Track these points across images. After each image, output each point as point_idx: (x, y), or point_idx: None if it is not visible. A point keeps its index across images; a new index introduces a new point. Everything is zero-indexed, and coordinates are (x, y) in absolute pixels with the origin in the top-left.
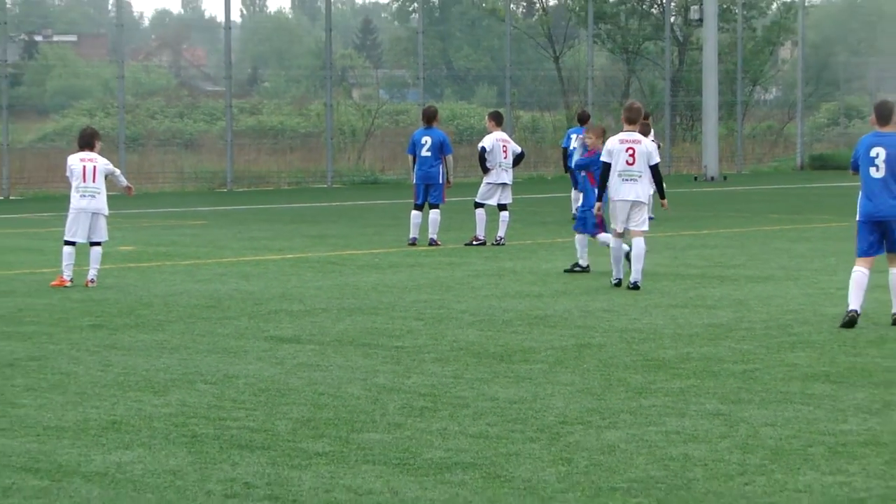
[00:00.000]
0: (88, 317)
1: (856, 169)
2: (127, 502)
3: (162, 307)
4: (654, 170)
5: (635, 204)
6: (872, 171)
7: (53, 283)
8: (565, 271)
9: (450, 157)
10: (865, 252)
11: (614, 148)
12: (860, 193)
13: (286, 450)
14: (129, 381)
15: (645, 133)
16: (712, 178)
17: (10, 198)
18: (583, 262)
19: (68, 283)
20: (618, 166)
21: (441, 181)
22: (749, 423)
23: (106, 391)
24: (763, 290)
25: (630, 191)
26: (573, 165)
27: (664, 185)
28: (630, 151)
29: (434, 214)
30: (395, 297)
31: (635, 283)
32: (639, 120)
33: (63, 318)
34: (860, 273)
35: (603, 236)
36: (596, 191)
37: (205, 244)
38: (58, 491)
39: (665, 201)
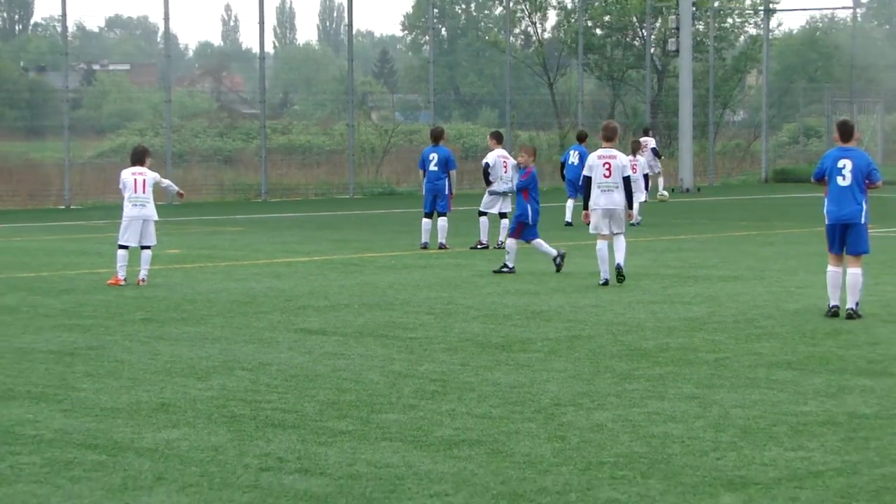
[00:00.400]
0: (140, 311)
1: (818, 178)
2: (174, 474)
3: (204, 303)
4: (626, 182)
5: (613, 211)
6: (839, 179)
7: (109, 281)
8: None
9: (453, 172)
10: (835, 250)
11: (594, 163)
12: (826, 200)
13: (314, 428)
14: (175, 367)
15: (637, 147)
16: (687, 190)
17: (71, 207)
18: (510, 264)
19: (122, 282)
20: (596, 179)
21: (447, 192)
22: (720, 405)
23: (155, 377)
24: (733, 289)
25: (607, 200)
26: (515, 188)
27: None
28: (607, 166)
29: (442, 221)
30: (409, 294)
31: (618, 265)
32: (615, 138)
33: (117, 312)
34: (833, 272)
35: (510, 242)
36: (537, 205)
37: (242, 248)
38: (113, 464)
39: (631, 211)
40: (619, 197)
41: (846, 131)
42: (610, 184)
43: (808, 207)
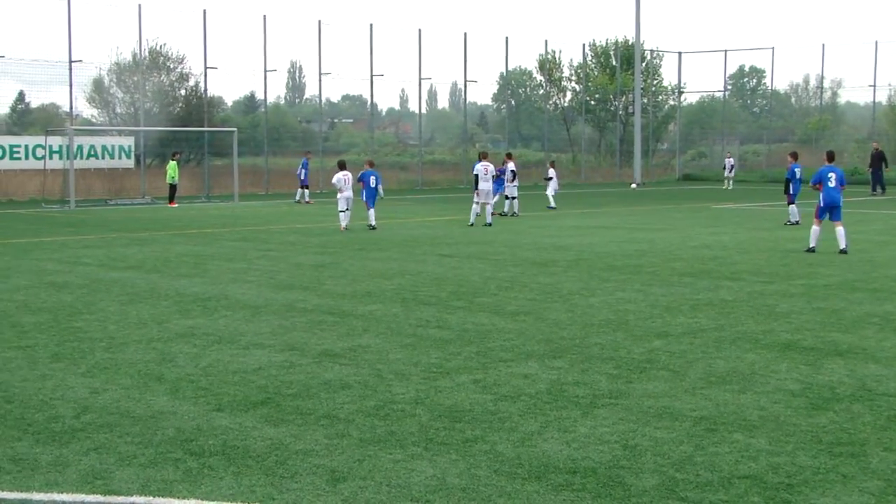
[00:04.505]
0: (356, 244)
1: (815, 183)
2: (373, 327)
3: (388, 240)
4: (496, 177)
5: (489, 192)
6: (830, 183)
7: (341, 229)
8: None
9: (506, 175)
10: (821, 218)
11: (479, 168)
12: (822, 193)
13: (445, 306)
14: (374, 273)
15: (552, 165)
16: (638, 185)
17: (323, 191)
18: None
19: (344, 230)
20: (482, 177)
21: (495, 185)
22: (654, 295)
23: (364, 278)
24: (661, 235)
25: (489, 187)
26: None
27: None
28: (486, 170)
29: (497, 196)
30: (493, 237)
31: (490, 223)
32: (488, 157)
33: (344, 245)
34: (816, 229)
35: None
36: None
37: (408, 213)
38: (342, 322)
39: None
40: (491, 185)
41: (831, 155)
42: (489, 178)
43: (701, 194)
